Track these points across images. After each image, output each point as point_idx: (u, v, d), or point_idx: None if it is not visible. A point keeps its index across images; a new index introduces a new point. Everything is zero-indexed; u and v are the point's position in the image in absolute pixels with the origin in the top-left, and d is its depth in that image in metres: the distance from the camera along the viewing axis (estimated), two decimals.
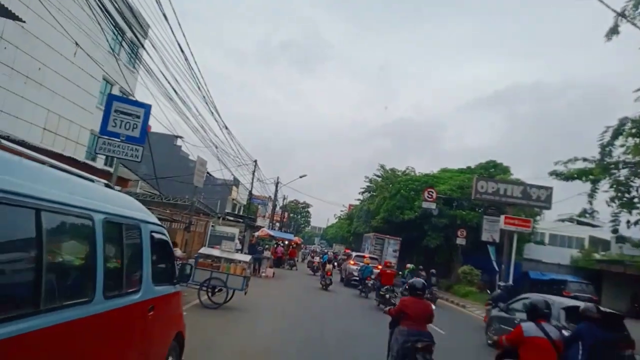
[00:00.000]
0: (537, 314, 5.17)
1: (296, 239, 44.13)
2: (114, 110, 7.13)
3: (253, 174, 26.15)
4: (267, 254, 22.57)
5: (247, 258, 11.30)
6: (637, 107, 10.67)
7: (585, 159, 11.84)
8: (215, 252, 11.37)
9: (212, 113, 12.44)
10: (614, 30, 10.82)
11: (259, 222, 35.23)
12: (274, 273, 22.28)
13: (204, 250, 11.48)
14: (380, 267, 18.10)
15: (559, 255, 32.70)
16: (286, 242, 35.05)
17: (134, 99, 14.34)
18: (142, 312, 3.44)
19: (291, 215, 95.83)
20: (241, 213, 46.71)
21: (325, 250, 44.78)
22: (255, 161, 26.18)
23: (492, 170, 31.99)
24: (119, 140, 7.22)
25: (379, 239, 31.73)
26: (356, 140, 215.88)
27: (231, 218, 35.41)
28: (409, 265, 23.31)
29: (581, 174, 12.28)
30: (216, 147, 13.47)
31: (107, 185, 3.16)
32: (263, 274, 21.51)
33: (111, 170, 27.39)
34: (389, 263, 18.34)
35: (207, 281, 10.78)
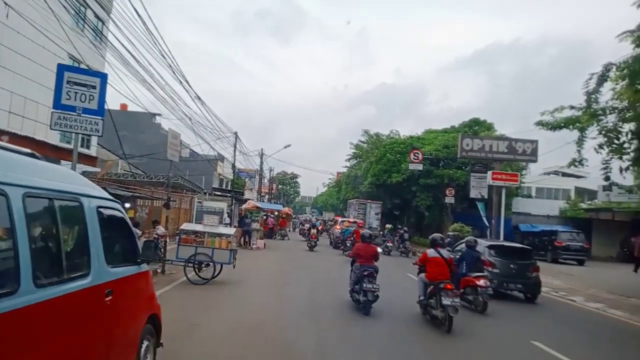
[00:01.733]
0: (435, 243, 8.47)
1: (286, 209, 43.95)
2: (66, 81, 6.48)
3: (235, 147, 25.51)
4: (255, 225, 22.26)
5: (232, 231, 10.93)
6: (615, 55, 10.29)
7: (572, 107, 11.53)
8: (199, 227, 10.96)
9: (181, 82, 11.71)
10: None
11: (247, 195, 34.85)
12: (264, 244, 22.07)
13: (186, 225, 11.07)
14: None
15: (546, 207, 33.11)
16: (276, 213, 34.86)
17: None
18: (95, 297, 3.02)
19: (280, 186, 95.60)
20: (229, 188, 46.30)
21: (316, 219, 45.02)
22: (236, 133, 25.49)
23: (476, 128, 31.76)
24: (76, 113, 6.62)
25: (362, 204, 33.65)
26: (340, 108, 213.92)
27: (218, 193, 35.01)
28: (387, 225, 27.15)
29: (568, 123, 11.99)
30: (190, 119, 12.87)
31: (31, 155, 2.66)
32: (254, 246, 21.30)
33: (88, 151, 26.54)
34: (361, 223, 23.41)
35: (192, 257, 10.43)
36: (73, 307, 2.72)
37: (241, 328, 6.80)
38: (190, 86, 12.68)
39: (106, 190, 10.09)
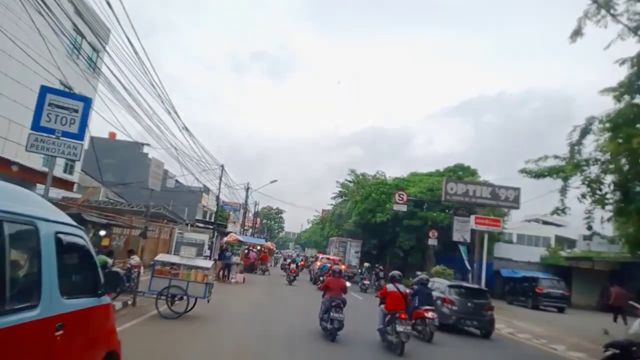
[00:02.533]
0: (394, 279, 9.91)
1: (268, 244, 43.36)
2: (47, 103, 6.38)
3: (220, 179, 25.30)
4: (236, 259, 21.77)
5: (209, 264, 10.61)
6: (594, 110, 10.69)
7: (556, 156, 11.78)
8: (175, 259, 10.62)
9: (169, 112, 11.69)
10: (577, 32, 10.84)
11: (230, 227, 34.31)
12: (244, 279, 21.53)
13: (161, 256, 10.72)
14: (343, 266, 21.94)
15: (527, 254, 33.20)
16: (258, 248, 34.32)
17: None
18: (44, 331, 2.79)
19: (264, 221, 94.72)
20: (214, 220, 45.62)
21: (297, 254, 44.73)
22: (222, 166, 25.36)
23: (460, 173, 32.25)
24: (54, 136, 6.47)
25: (342, 242, 34.76)
26: (328, 147, 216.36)
27: (200, 225, 34.42)
28: (365, 264, 28.22)
29: (552, 172, 12.22)
30: (176, 149, 12.74)
31: None
32: (233, 280, 20.74)
33: (71, 177, 26.07)
34: (336, 260, 24.79)
35: (165, 289, 10.04)
36: (16, 341, 2.50)
37: None
38: (178, 116, 12.68)
39: (81, 217, 9.76)
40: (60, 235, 3.04)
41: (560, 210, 12.53)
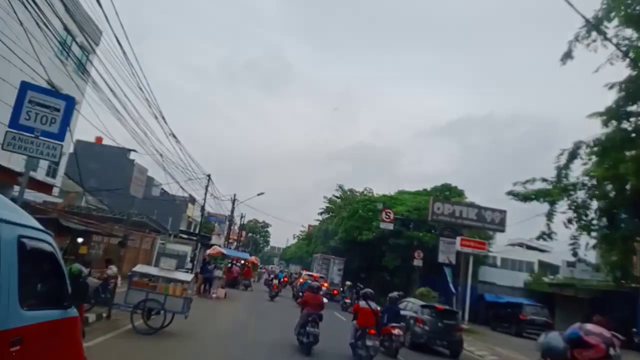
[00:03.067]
0: (366, 297, 10.44)
1: (253, 258, 42.64)
2: (28, 100, 6.09)
3: (206, 189, 24.91)
4: (218, 273, 21.25)
5: (189, 277, 10.23)
6: (580, 135, 10.75)
7: (544, 179, 11.78)
8: (153, 271, 10.23)
9: (156, 117, 11.42)
10: (568, 55, 11.00)
11: (214, 240, 33.73)
12: (225, 294, 20.98)
13: (139, 267, 10.30)
14: (326, 284, 23.36)
15: (511, 279, 33.21)
16: (242, 262, 33.72)
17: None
18: None
19: (250, 234, 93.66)
20: (197, 231, 44.84)
21: (281, 270, 44.18)
22: (209, 175, 25.01)
23: (447, 193, 32.39)
24: (33, 135, 6.17)
25: (325, 259, 35.03)
26: (317, 161, 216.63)
27: (184, 236, 33.77)
28: (347, 283, 28.31)
29: (539, 195, 12.20)
30: (161, 156, 12.45)
31: None
32: (214, 295, 20.18)
33: (53, 180, 25.38)
34: (316, 277, 25.21)
35: (141, 303, 9.62)
36: None
37: None
38: (165, 122, 12.40)
39: (59, 222, 9.36)
40: (24, 240, 2.77)
41: (547, 235, 12.49)
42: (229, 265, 29.41)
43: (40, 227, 3.15)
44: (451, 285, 24.84)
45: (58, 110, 6.28)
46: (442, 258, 25.09)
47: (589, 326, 3.96)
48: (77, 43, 15.19)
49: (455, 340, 12.95)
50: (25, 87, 6.22)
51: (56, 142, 6.43)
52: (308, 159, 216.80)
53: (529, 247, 51.28)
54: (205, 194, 24.83)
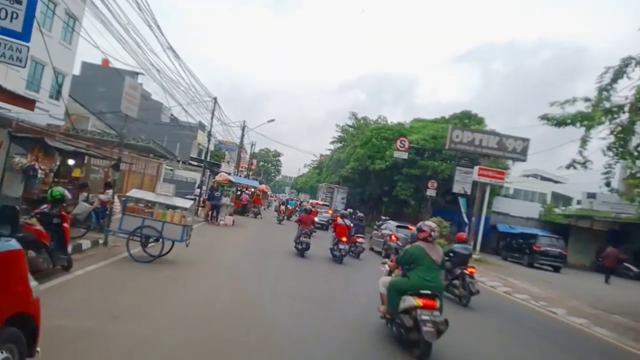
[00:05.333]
0: (343, 216, 15.48)
1: (263, 186, 42.51)
2: None
3: (212, 113, 23.75)
4: (226, 200, 20.80)
5: (188, 204, 9.51)
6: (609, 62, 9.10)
7: (587, 99, 10.37)
8: (150, 196, 9.51)
9: (150, 27, 10.05)
10: None
11: (224, 167, 33.13)
12: (233, 221, 20.69)
13: (134, 192, 9.58)
14: (330, 211, 24.98)
15: (524, 209, 32.52)
16: (252, 190, 33.45)
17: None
18: None
19: (261, 163, 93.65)
20: (208, 159, 44.28)
21: (291, 198, 44.49)
22: (215, 99, 23.69)
23: (467, 121, 30.74)
24: None
25: (330, 188, 37.10)
26: (331, 89, 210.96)
27: (194, 163, 33.22)
28: (349, 210, 29.86)
29: (576, 119, 10.86)
30: (158, 71, 11.25)
31: None
32: (222, 222, 19.89)
33: (57, 103, 24.35)
34: (314, 204, 27.95)
35: (138, 230, 9.01)
36: None
37: (177, 323, 5.48)
38: (161, 33, 11.01)
39: (45, 142, 8.42)
40: None
41: (581, 164, 11.32)
42: (238, 192, 29.09)
43: None
44: (465, 216, 24.25)
45: (19, 2, 5.10)
46: (457, 188, 24.26)
47: (427, 222, 6.38)
48: None
49: None
50: None
51: (21, 42, 5.34)
52: (321, 86, 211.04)
53: (544, 178, 50.23)
54: (212, 118, 23.74)
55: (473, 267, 10.15)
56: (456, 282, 9.89)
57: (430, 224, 6.22)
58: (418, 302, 5.52)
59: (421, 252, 5.84)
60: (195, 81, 19.34)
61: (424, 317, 5.36)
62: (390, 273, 6.64)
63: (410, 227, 16.67)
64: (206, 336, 5.16)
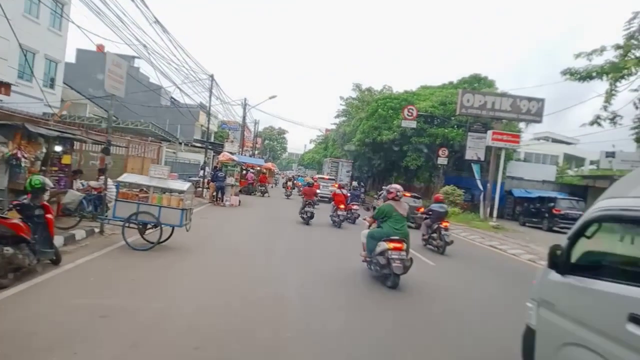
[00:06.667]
0: (341, 187, 17.70)
1: (269, 164, 41.83)
2: None
3: (210, 91, 22.81)
4: (230, 180, 20.12)
5: (185, 186, 8.79)
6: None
7: (619, 46, 9.32)
8: (143, 180, 8.80)
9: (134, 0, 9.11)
10: None
11: (228, 147, 32.40)
12: (239, 201, 20.06)
13: (126, 176, 8.86)
14: (336, 184, 25.23)
15: (539, 173, 31.49)
16: (257, 168, 32.79)
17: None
18: None
19: (267, 141, 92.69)
20: (212, 140, 43.51)
21: (299, 175, 44.30)
22: (212, 76, 22.72)
23: (477, 85, 29.47)
24: None
25: (334, 162, 37.54)
26: (334, 59, 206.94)
27: (197, 144, 32.53)
28: (353, 183, 29.15)
29: (604, 71, 9.84)
30: (145, 47, 10.38)
31: None
32: (227, 203, 19.27)
33: (52, 91, 23.61)
34: (316, 178, 29.09)
35: (133, 216, 8.35)
36: None
37: (167, 318, 4.83)
38: (145, 5, 10.06)
39: (26, 129, 7.68)
40: None
41: (609, 120, 10.37)
42: (244, 172, 28.43)
43: None
44: (479, 182, 23.41)
45: None
46: (470, 154, 23.34)
47: (393, 185, 8.24)
48: None
49: (417, 217, 15.54)
50: None
51: None
52: (324, 54, 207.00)
53: (554, 140, 48.89)
54: (210, 96, 22.80)
55: (447, 222, 12.20)
56: (434, 235, 12.01)
57: (396, 186, 8.14)
58: (389, 245, 7.20)
59: (390, 208, 7.61)
60: (189, 57, 18.28)
61: (394, 256, 7.08)
62: (369, 226, 8.30)
63: (406, 193, 18.73)
64: (208, 322, 4.51)
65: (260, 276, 7.41)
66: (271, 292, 6.44)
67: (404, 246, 7.28)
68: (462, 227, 19.18)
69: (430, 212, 12.51)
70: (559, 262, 3.30)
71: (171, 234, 8.88)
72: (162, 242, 8.56)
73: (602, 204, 3.20)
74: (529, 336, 3.58)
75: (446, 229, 11.78)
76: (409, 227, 8.14)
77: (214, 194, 19.42)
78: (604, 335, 2.72)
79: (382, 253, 7.26)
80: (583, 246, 3.32)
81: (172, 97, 41.25)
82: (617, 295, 2.69)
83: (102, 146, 9.90)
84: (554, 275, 3.35)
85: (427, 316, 6.17)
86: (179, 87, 21.66)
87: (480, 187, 23.11)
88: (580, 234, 3.31)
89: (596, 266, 3.25)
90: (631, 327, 2.49)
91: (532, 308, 3.62)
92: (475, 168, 23.66)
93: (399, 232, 7.41)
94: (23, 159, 8.30)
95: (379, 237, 7.47)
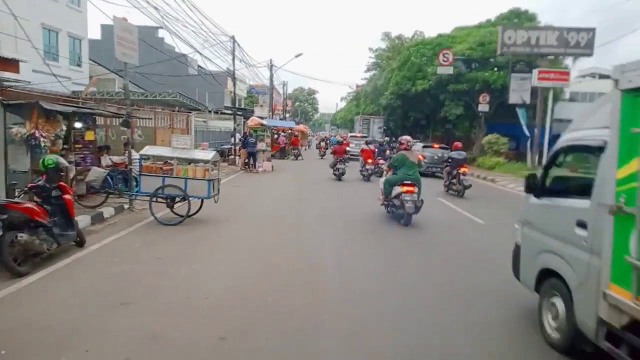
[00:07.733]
0: (368, 143, 18.99)
1: (300, 126, 41.07)
2: None
3: (233, 54, 21.96)
4: (261, 145, 19.60)
5: (209, 155, 8.26)
6: None
7: None
8: (165, 151, 8.33)
9: None
10: None
11: (258, 112, 31.76)
12: (272, 166, 19.61)
13: (148, 149, 8.41)
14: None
15: None
16: (289, 131, 32.14)
17: None
18: None
19: (297, 103, 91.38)
20: (243, 106, 42.96)
21: (332, 135, 43.36)
22: (233, 37, 21.80)
23: (517, 20, 26.88)
24: None
25: (365, 120, 36.74)
26: (360, 9, 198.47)
27: (228, 112, 32.05)
28: (386, 138, 30.11)
29: None
30: (157, 9, 9.64)
31: None
32: (260, 169, 18.86)
33: (79, 69, 23.58)
34: (345, 136, 28.11)
35: (159, 190, 7.96)
36: None
37: (187, 304, 4.38)
38: None
39: (40, 106, 7.28)
40: None
41: None
42: (275, 136, 27.86)
43: None
44: (525, 128, 21.77)
45: None
46: (514, 98, 21.58)
47: (404, 136, 9.51)
48: None
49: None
50: None
51: None
52: (348, 8, 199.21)
53: (602, 76, 45.02)
54: (233, 59, 21.97)
55: (466, 167, 13.11)
56: (454, 180, 12.90)
57: (406, 137, 9.32)
58: (403, 189, 8.40)
59: (403, 157, 8.79)
60: (205, 17, 17.22)
61: (407, 198, 8.32)
62: (386, 174, 9.55)
63: (435, 145, 20.02)
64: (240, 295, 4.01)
65: (292, 242, 7.06)
66: (303, 260, 6.11)
67: (416, 189, 8.41)
68: (508, 178, 17.93)
69: (450, 160, 13.27)
70: (534, 187, 4.20)
71: (201, 206, 8.48)
72: (191, 215, 8.19)
73: (566, 137, 3.92)
74: (517, 251, 4.51)
75: (464, 174, 12.72)
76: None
77: (246, 160, 19.02)
78: (562, 240, 3.61)
79: (397, 196, 8.51)
80: (556, 173, 4.15)
81: (199, 66, 40.68)
82: (570, 208, 3.57)
83: (122, 119, 9.43)
84: (532, 199, 4.23)
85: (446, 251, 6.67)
86: (199, 52, 21.07)
87: (527, 133, 21.47)
88: (551, 163, 4.16)
89: (561, 189, 4.02)
90: (578, 230, 3.38)
91: (518, 229, 4.51)
92: (521, 113, 21.94)
93: (411, 177, 8.53)
94: (42, 139, 7.96)
95: (394, 183, 8.63)
